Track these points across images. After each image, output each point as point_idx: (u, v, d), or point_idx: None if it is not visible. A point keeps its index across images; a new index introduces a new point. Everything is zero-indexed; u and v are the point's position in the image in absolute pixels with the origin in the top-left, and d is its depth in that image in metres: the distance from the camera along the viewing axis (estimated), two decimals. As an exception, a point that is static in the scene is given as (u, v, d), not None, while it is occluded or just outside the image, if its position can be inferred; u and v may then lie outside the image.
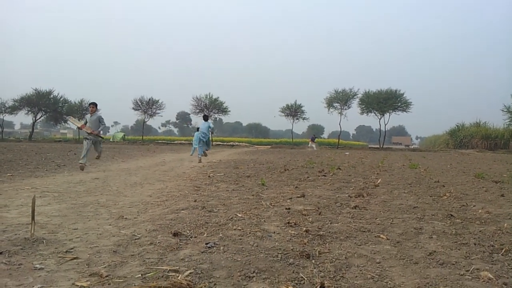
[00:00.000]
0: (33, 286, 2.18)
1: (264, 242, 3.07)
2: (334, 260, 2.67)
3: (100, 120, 9.76)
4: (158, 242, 3.01)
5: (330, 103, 41.11)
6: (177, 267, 2.45)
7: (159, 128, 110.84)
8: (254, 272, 2.39)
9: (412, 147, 63.97)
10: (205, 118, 15.76)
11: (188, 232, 3.34)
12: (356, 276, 2.38)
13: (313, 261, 2.63)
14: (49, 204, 4.71)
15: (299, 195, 5.43)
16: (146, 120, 46.57)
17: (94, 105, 9.84)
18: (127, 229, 3.49)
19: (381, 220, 3.98)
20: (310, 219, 3.94)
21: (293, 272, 2.41)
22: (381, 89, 39.96)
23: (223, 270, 2.42)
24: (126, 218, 3.98)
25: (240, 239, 3.14)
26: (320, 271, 2.45)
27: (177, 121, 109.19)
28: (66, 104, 45.04)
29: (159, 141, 47.62)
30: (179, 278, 2.23)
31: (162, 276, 2.31)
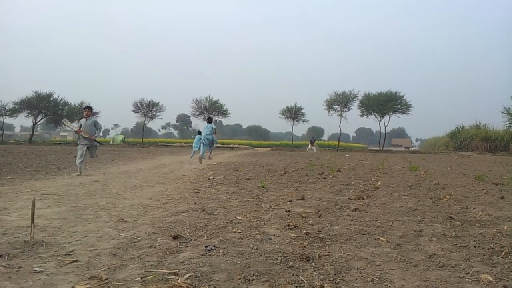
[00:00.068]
0: (33, 289, 2.17)
1: (264, 245, 3.07)
2: (334, 263, 2.66)
3: (95, 125, 9.49)
4: (158, 245, 3.01)
5: (330, 105, 41.18)
6: (177, 270, 2.44)
7: (159, 130, 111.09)
8: (254, 275, 2.39)
9: (412, 149, 64.03)
10: (209, 121, 15.79)
11: (188, 235, 3.34)
12: (356, 279, 2.38)
13: (313, 264, 2.63)
14: (49, 207, 4.71)
15: (299, 198, 5.43)
16: (146, 122, 46.67)
17: (89, 109, 9.58)
18: (126, 232, 3.49)
19: (381, 222, 3.98)
20: (310, 221, 3.94)
21: (293, 275, 2.41)
22: (381, 91, 40.08)
23: (223, 273, 2.42)
24: (126, 220, 3.97)
25: (240, 242, 3.14)
26: (320, 274, 2.45)
27: (177, 124, 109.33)
28: (66, 107, 45.14)
29: (159, 144, 47.73)
30: (178, 281, 2.23)
31: (162, 279, 2.31)
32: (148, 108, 44.59)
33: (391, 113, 39.34)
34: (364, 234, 3.49)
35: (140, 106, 44.56)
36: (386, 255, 2.87)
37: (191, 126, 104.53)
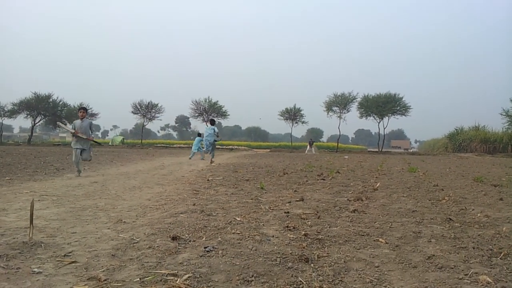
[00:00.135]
0: (31, 290, 2.17)
1: (262, 246, 3.07)
2: (333, 264, 2.67)
3: (91, 126, 9.35)
4: (157, 246, 3.01)
5: (329, 107, 41.19)
6: (176, 271, 2.44)
7: (158, 131, 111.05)
8: (252, 276, 2.39)
9: (411, 150, 64.05)
10: (212, 123, 15.76)
11: (186, 236, 3.33)
12: (355, 280, 2.38)
13: (312, 265, 2.63)
14: (48, 207, 4.70)
15: (298, 199, 5.43)
16: (145, 123, 46.61)
17: (84, 110, 9.40)
18: (125, 233, 3.49)
19: (380, 224, 3.98)
20: (309, 223, 3.94)
21: (291, 276, 2.41)
22: (380, 93, 40.10)
23: (221, 274, 2.42)
24: (124, 222, 3.97)
25: (239, 243, 3.14)
26: (319, 275, 2.45)
27: (176, 125, 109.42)
28: (65, 108, 45.08)
29: (158, 145, 47.63)
30: (177, 282, 2.23)
31: (161, 280, 2.31)
32: (147, 109, 44.55)
33: (390, 114, 39.37)
34: (363, 235, 3.49)
35: (139, 107, 44.51)
36: (385, 256, 2.87)
37: (190, 128, 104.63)
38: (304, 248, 3.00)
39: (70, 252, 2.87)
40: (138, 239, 3.23)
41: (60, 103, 44.98)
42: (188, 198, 5.54)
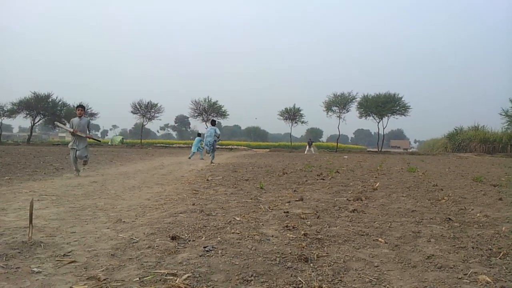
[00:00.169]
0: (31, 290, 2.17)
1: (262, 245, 3.07)
2: (332, 263, 2.67)
3: (88, 125, 9.26)
4: (156, 246, 3.01)
5: (328, 106, 41.22)
6: (175, 271, 2.44)
7: (158, 131, 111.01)
8: (252, 275, 2.39)
9: (411, 150, 64.10)
10: (213, 123, 15.78)
11: (186, 235, 3.33)
12: (354, 280, 2.38)
13: (311, 264, 2.63)
14: (47, 207, 4.70)
15: (297, 199, 5.43)
16: (144, 123, 46.61)
17: (82, 108, 9.30)
18: (125, 232, 3.49)
19: (379, 223, 3.98)
20: (309, 222, 3.94)
21: (291, 276, 2.41)
22: (379, 93, 40.15)
23: (221, 274, 2.42)
24: (124, 221, 3.97)
25: (238, 242, 3.14)
26: (318, 274, 2.45)
27: (175, 125, 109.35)
28: (64, 108, 45.05)
29: (158, 145, 47.65)
30: (177, 281, 2.23)
31: (160, 280, 2.31)
32: (146, 109, 44.55)
33: (389, 114, 39.41)
34: (362, 235, 3.49)
35: (138, 107, 44.51)
36: (384, 256, 2.87)
37: (189, 127, 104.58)
38: (303, 247, 3.00)
39: (69, 252, 2.86)
40: (137, 239, 3.23)
41: (60, 103, 44.96)
42: (187, 198, 5.54)
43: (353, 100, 40.63)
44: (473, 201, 5.59)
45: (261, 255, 2.81)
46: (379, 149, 40.43)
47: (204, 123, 44.11)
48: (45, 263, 2.60)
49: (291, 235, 3.39)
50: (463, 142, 39.40)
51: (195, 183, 7.62)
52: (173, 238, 3.19)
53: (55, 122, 11.44)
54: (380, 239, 3.33)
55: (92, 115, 45.86)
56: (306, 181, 8.09)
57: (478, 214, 4.51)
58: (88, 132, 9.22)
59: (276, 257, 2.76)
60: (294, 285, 2.27)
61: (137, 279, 2.32)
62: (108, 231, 3.54)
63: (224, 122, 53.71)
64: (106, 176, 8.82)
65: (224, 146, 44.22)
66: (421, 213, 4.58)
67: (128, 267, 2.54)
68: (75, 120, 9.14)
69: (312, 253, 2.87)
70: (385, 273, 2.51)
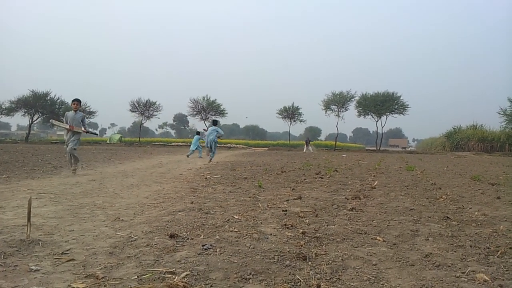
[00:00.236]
0: (29, 288, 2.17)
1: (260, 244, 3.07)
2: (330, 262, 2.67)
3: (83, 120, 9.04)
4: (155, 244, 3.00)
5: (327, 105, 41.26)
6: (174, 269, 2.44)
7: (156, 130, 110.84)
8: (250, 274, 2.39)
9: (409, 149, 64.20)
10: (214, 123, 15.87)
11: (184, 234, 3.33)
12: (353, 278, 2.38)
13: (309, 263, 2.63)
14: (45, 205, 4.69)
15: (296, 197, 5.44)
16: (143, 122, 46.58)
17: (78, 102, 8.95)
18: (123, 230, 3.48)
19: (377, 222, 3.99)
20: (307, 221, 3.94)
21: (289, 274, 2.41)
22: (378, 92, 40.23)
23: (219, 272, 2.42)
24: (122, 219, 3.97)
25: (237, 241, 3.14)
26: (317, 273, 2.45)
27: (174, 123, 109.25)
28: (63, 106, 44.96)
29: (156, 143, 47.62)
30: (175, 279, 2.23)
31: (159, 278, 2.31)
32: (145, 108, 44.52)
33: (388, 113, 39.48)
34: (360, 233, 3.50)
35: (137, 105, 44.48)
36: (383, 255, 2.88)
37: (188, 126, 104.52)
38: (301, 246, 3.01)
39: (67, 250, 2.86)
40: (136, 237, 3.23)
41: (58, 101, 44.88)
42: (186, 196, 5.54)
43: (352, 99, 40.72)
44: (471, 200, 5.60)
45: (260, 253, 2.81)
46: (378, 148, 40.51)
47: (202, 121, 44.14)
48: (43, 261, 2.60)
49: (290, 234, 3.39)
50: (461, 141, 39.50)
51: (193, 181, 7.62)
52: (172, 236, 3.19)
53: (51, 120, 11.04)
54: (378, 238, 3.33)
55: (91, 113, 45.83)
56: (305, 179, 8.10)
57: (476, 213, 4.53)
58: (83, 127, 9.00)
59: (275, 255, 2.76)
60: (292, 283, 2.27)
61: (136, 277, 2.32)
62: (107, 229, 3.54)
63: (222, 121, 53.73)
64: (105, 175, 8.81)
65: (222, 145, 44.23)
66: (419, 212, 4.59)
67: (126, 265, 2.54)
68: (70, 113, 8.90)
69: (311, 251, 2.88)
70: (383, 272, 2.51)
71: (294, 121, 44.65)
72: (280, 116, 44.83)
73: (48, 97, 43.96)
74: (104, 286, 2.20)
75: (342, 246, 3.06)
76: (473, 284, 2.30)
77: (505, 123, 35.44)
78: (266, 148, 41.85)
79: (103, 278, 2.30)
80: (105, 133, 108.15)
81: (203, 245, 2.95)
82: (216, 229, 3.53)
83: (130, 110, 44.81)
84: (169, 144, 46.57)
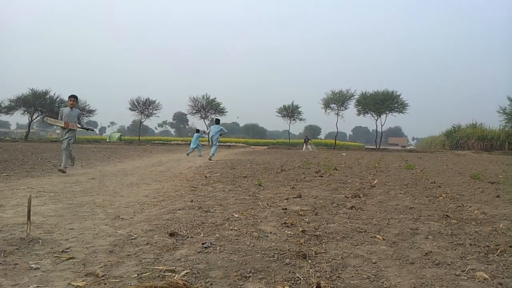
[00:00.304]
0: (29, 286, 2.17)
1: (260, 242, 3.08)
2: (330, 260, 2.67)
3: (79, 117, 8.84)
4: (155, 242, 3.01)
5: (327, 104, 41.24)
6: (174, 267, 2.44)
7: (156, 128, 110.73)
8: (250, 272, 2.39)
9: (409, 148, 64.23)
10: (217, 122, 15.99)
11: (184, 232, 3.33)
12: (352, 276, 2.39)
13: (309, 261, 2.64)
14: (45, 204, 4.69)
15: (295, 196, 5.44)
16: (142, 120, 46.53)
17: (75, 98, 8.76)
18: (123, 229, 3.49)
19: (377, 220, 3.99)
20: (307, 219, 3.95)
21: (289, 272, 2.41)
22: (377, 91, 40.19)
23: (219, 270, 2.42)
24: (122, 218, 3.97)
25: (237, 239, 3.14)
26: (316, 271, 2.45)
27: (173, 122, 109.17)
28: (62, 104, 44.90)
29: (156, 142, 47.59)
30: (175, 278, 2.23)
31: (159, 276, 2.31)
32: (144, 106, 44.48)
33: (387, 112, 39.46)
34: (360, 232, 3.50)
35: (136, 104, 44.43)
36: (382, 253, 2.88)
37: (188, 124, 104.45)
38: (301, 244, 3.01)
39: (67, 248, 2.86)
40: (135, 236, 3.23)
41: (57, 99, 44.81)
42: (185, 195, 5.54)
43: (351, 98, 40.69)
44: (470, 198, 5.61)
45: (259, 251, 2.81)
46: (377, 147, 40.50)
47: (202, 120, 44.11)
48: (43, 260, 2.60)
49: (289, 232, 3.39)
50: (461, 139, 39.51)
51: (193, 180, 7.62)
52: (171, 234, 3.19)
53: (45, 118, 10.51)
54: (378, 236, 3.34)
55: (90, 111, 45.76)
56: (304, 178, 8.10)
57: (475, 211, 4.53)
58: (78, 124, 8.78)
59: (274, 253, 2.77)
60: (292, 282, 2.28)
61: (136, 275, 2.32)
62: (106, 228, 3.54)
63: (222, 119, 53.70)
64: (104, 173, 8.81)
65: (222, 143, 44.23)
66: (419, 210, 4.59)
67: (126, 263, 2.54)
68: (66, 110, 8.71)
69: (310, 249, 2.88)
70: (383, 270, 2.52)
71: (294, 119, 44.63)
72: (280, 115, 44.84)
73: (48, 96, 43.88)
74: (104, 284, 2.20)
75: (342, 245, 3.07)
76: (473, 282, 2.31)
77: (504, 121, 35.49)
78: (266, 147, 41.86)
79: (103, 276, 2.30)
80: (105, 132, 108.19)
81: (203, 244, 2.95)
82: (216, 227, 3.53)
83: (130, 108, 44.79)
84: (169, 142, 46.57)
